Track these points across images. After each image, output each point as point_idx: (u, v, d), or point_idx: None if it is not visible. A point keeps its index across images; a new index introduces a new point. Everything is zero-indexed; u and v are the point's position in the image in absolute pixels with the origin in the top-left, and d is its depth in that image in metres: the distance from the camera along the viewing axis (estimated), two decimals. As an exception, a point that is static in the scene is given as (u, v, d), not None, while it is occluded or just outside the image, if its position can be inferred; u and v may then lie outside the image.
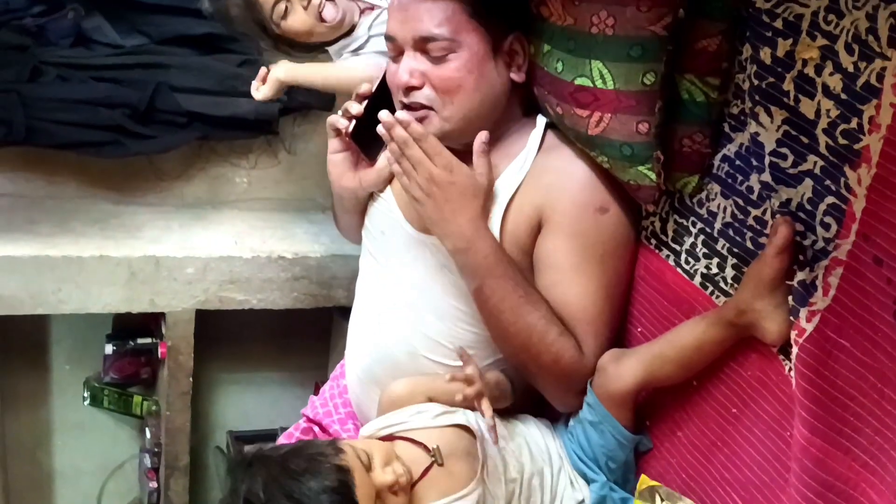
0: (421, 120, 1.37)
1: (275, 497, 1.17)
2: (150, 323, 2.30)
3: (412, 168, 1.33)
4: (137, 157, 2.17)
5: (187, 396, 2.19)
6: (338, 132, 1.51)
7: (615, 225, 1.41)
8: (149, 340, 2.31)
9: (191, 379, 2.18)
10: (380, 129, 1.33)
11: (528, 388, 1.51)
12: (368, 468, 1.22)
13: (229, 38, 2.17)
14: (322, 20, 1.61)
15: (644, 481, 1.33)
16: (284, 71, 1.66)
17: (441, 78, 1.37)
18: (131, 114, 2.07)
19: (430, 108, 1.38)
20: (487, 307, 1.36)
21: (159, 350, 2.20)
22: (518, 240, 1.41)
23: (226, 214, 2.28)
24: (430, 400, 1.39)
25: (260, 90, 1.69)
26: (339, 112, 1.50)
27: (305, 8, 1.60)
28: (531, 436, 1.43)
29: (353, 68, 1.64)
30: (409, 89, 1.38)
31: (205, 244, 2.12)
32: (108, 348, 2.33)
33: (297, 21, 1.64)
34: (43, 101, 2.04)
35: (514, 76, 1.42)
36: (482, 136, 1.37)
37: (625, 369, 1.31)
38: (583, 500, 1.37)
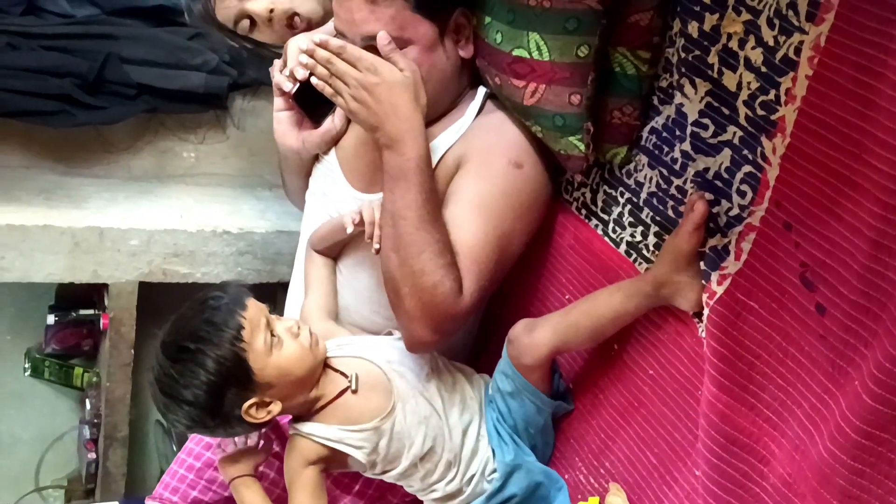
0: None
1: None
2: (93, 294, 2.29)
3: (341, 84, 1.30)
4: (85, 128, 2.16)
5: (128, 368, 2.18)
6: (283, 92, 1.52)
7: (524, 183, 1.42)
8: (91, 312, 2.29)
9: (132, 351, 2.16)
10: (302, 57, 1.32)
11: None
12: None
13: (180, 10, 2.17)
14: (292, 27, 1.62)
15: None
16: (302, 39, 1.53)
17: None
18: (80, 84, 2.06)
19: None
20: (392, 210, 1.32)
21: (101, 321, 2.18)
22: (441, 191, 1.41)
23: (172, 188, 2.27)
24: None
25: (283, 71, 1.53)
26: (285, 73, 1.51)
27: (270, 21, 1.61)
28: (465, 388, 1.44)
29: None
30: None
31: (150, 216, 2.11)
32: (50, 319, 2.31)
33: (266, 36, 1.65)
34: (-9, 68, 2.03)
35: (462, 53, 1.45)
36: (382, 40, 1.32)
37: (538, 339, 1.32)
38: (486, 459, 1.39)
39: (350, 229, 1.37)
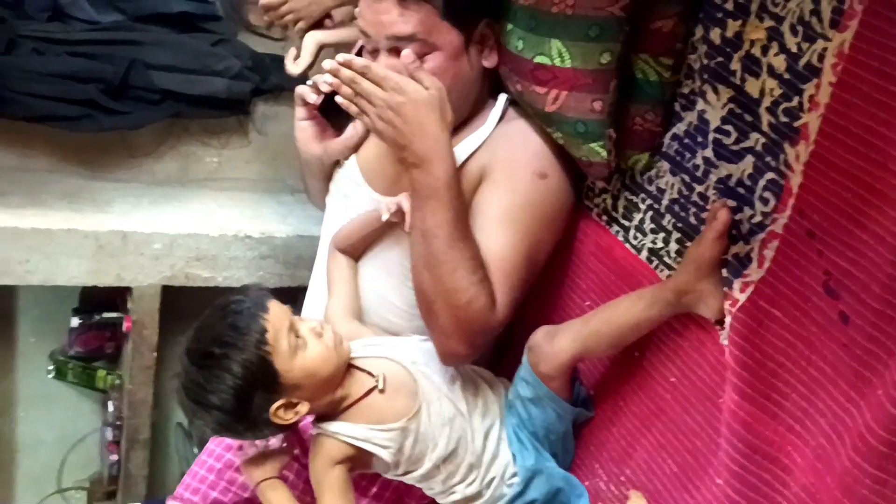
0: None
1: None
2: (117, 297, 2.31)
3: (366, 103, 1.30)
4: (110, 133, 2.18)
5: (150, 371, 2.20)
6: (306, 103, 1.53)
7: (549, 193, 1.43)
8: (114, 315, 2.31)
9: (155, 353, 2.18)
10: (327, 77, 1.31)
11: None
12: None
13: (204, 16, 2.20)
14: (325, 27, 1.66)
15: None
16: (322, 35, 1.69)
17: None
18: (105, 89, 2.09)
19: None
20: (422, 228, 1.32)
21: (124, 324, 2.21)
22: (465, 199, 1.40)
23: (195, 193, 2.29)
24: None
25: (297, 62, 1.69)
26: (308, 83, 1.52)
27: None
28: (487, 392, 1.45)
29: None
30: None
31: (173, 221, 2.13)
32: (74, 321, 2.33)
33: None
34: (18, 73, 2.05)
35: (485, 63, 1.45)
36: (406, 59, 1.31)
37: (559, 347, 1.32)
38: (507, 463, 1.39)
39: (385, 216, 1.37)
